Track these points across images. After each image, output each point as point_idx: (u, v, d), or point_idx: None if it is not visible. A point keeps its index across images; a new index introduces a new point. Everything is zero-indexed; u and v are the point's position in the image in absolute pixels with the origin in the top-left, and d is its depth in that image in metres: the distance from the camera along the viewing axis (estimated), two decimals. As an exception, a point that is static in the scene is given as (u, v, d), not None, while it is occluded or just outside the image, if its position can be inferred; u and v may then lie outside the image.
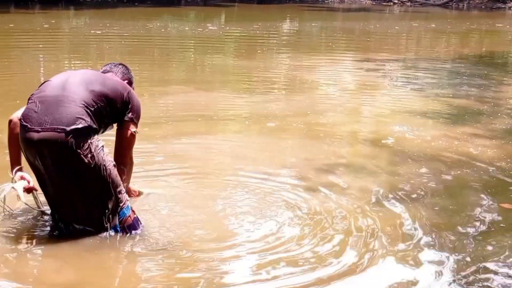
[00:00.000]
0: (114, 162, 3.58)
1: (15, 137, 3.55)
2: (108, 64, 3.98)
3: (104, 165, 3.47)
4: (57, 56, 11.60)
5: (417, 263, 3.47)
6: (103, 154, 3.48)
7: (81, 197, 3.48)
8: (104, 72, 3.91)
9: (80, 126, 3.38)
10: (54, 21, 17.55)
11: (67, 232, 3.57)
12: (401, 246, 3.66)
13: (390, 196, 4.44)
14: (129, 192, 3.89)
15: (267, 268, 3.34)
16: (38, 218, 3.80)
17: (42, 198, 3.74)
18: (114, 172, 3.54)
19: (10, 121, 3.62)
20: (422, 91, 8.86)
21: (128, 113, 3.67)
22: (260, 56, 12.71)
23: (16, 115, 3.58)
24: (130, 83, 3.93)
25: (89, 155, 3.40)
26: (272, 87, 9.21)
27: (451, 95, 8.53)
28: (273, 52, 13.54)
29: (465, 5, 29.66)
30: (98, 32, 15.33)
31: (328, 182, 4.69)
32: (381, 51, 13.87)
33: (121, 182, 3.61)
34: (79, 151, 3.37)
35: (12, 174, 3.61)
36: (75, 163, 3.39)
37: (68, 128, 3.36)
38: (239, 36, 16.29)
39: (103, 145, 3.52)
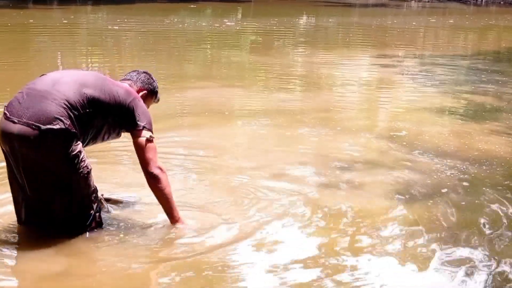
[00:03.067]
0: (89, 168, 3.41)
1: None
2: (131, 72, 3.81)
3: (75, 170, 3.32)
4: (75, 51, 11.68)
5: (436, 261, 3.43)
6: (78, 159, 3.32)
7: (51, 196, 3.37)
8: (122, 79, 3.76)
9: (56, 127, 3.22)
10: (73, 17, 17.67)
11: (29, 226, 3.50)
12: (420, 244, 3.63)
13: (408, 193, 4.42)
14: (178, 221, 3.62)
15: (281, 266, 3.33)
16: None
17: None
18: (86, 179, 3.39)
19: None
20: (439, 87, 8.80)
21: (137, 121, 3.47)
22: (277, 51, 12.70)
23: None
24: (151, 92, 3.78)
25: (60, 158, 3.27)
26: (289, 82, 9.20)
27: (469, 92, 8.47)
28: (290, 48, 13.52)
29: (483, 0, 29.40)
30: (115, 27, 15.41)
31: (344, 179, 4.67)
32: (399, 47, 13.81)
33: (93, 190, 3.47)
34: (49, 152, 3.25)
35: None
36: (45, 162, 3.27)
37: (42, 127, 3.21)
38: (256, 31, 16.29)
39: (80, 151, 3.34)
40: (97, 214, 3.57)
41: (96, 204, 3.54)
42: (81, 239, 3.47)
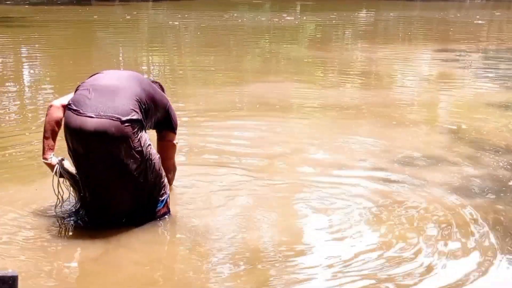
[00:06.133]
0: (159, 155, 3.63)
1: (55, 123, 3.51)
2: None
3: (150, 158, 3.50)
4: (136, 46, 11.91)
5: (499, 259, 3.38)
6: (150, 148, 3.53)
7: (123, 188, 3.48)
8: None
9: (134, 117, 3.40)
10: (135, 12, 18.06)
11: (95, 223, 3.57)
12: (483, 241, 3.58)
13: (471, 189, 4.34)
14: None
15: (342, 257, 3.35)
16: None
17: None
18: (159, 165, 3.59)
19: (51, 106, 3.55)
20: (503, 83, 8.56)
21: (171, 124, 3.82)
22: (336, 46, 12.61)
23: (59, 101, 3.54)
24: None
25: (138, 148, 3.41)
26: (348, 77, 9.12)
27: (534, 87, 8.20)
28: (349, 43, 13.41)
29: (551, -7, 28.33)
30: (175, 23, 15.63)
31: (406, 174, 4.61)
32: (461, 41, 13.48)
33: (164, 175, 3.65)
34: (130, 141, 3.36)
35: (48, 159, 3.54)
36: (124, 153, 3.37)
37: (123, 118, 3.35)
38: (315, 26, 16.22)
39: (149, 139, 3.56)
40: (168, 199, 3.71)
41: (168, 188, 3.70)
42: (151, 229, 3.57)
